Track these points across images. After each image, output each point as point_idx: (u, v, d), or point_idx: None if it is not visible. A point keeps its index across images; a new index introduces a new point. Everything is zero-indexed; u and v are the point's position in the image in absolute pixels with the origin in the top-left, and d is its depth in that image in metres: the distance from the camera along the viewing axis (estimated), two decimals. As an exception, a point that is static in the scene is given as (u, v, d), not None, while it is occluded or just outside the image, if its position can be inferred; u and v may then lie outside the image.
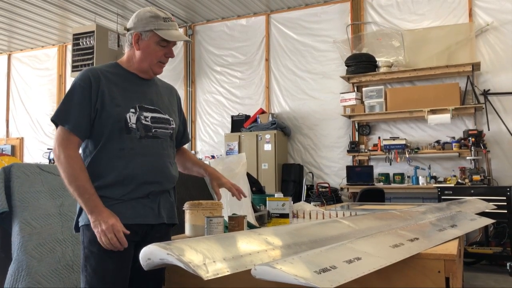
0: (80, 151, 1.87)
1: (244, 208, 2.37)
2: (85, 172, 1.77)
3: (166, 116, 1.98)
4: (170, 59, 2.04)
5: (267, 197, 2.50)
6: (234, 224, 2.03)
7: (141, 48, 1.91)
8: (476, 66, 6.02)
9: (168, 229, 1.99)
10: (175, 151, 2.09)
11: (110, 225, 1.70)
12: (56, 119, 1.82)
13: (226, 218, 2.11)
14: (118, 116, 1.82)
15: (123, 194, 1.81)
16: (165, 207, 1.93)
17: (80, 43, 7.33)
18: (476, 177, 5.65)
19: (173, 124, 2.00)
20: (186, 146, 2.30)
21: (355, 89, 6.81)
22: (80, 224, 1.83)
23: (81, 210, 1.82)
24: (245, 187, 2.46)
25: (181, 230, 2.30)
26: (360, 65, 6.56)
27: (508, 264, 4.96)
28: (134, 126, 1.85)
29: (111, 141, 1.83)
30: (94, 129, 1.84)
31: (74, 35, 7.46)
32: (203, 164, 2.22)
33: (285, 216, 2.38)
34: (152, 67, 1.94)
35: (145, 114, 1.89)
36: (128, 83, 1.93)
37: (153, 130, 1.90)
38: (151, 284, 1.90)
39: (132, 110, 1.86)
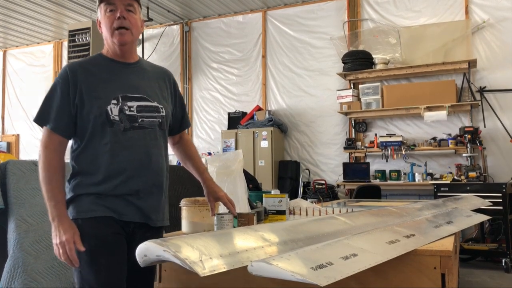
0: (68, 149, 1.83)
1: (241, 204, 2.37)
2: (59, 177, 1.73)
3: (155, 104, 1.87)
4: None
5: (263, 194, 2.50)
6: (244, 221, 2.03)
7: (101, 28, 1.88)
8: (472, 63, 6.03)
9: (159, 230, 1.91)
10: (166, 140, 1.98)
11: (63, 240, 1.65)
12: (38, 120, 1.80)
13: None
14: (99, 110, 1.75)
15: (111, 189, 1.75)
16: (153, 205, 1.84)
17: (76, 40, 7.30)
18: (472, 174, 5.67)
19: (162, 112, 1.89)
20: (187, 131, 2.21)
21: (352, 86, 6.82)
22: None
23: (67, 203, 1.78)
24: (241, 184, 2.46)
25: (178, 227, 2.30)
26: (357, 62, 6.56)
27: (503, 260, 4.99)
28: (116, 118, 1.76)
29: (95, 136, 1.76)
30: (77, 126, 1.79)
31: (70, 31, 7.43)
32: (203, 171, 2.10)
33: (281, 212, 2.38)
34: (113, 39, 1.83)
35: (130, 103, 1.80)
36: (110, 72, 1.84)
37: (139, 120, 1.81)
38: (144, 278, 1.85)
39: (114, 101, 1.77)
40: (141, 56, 7.97)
